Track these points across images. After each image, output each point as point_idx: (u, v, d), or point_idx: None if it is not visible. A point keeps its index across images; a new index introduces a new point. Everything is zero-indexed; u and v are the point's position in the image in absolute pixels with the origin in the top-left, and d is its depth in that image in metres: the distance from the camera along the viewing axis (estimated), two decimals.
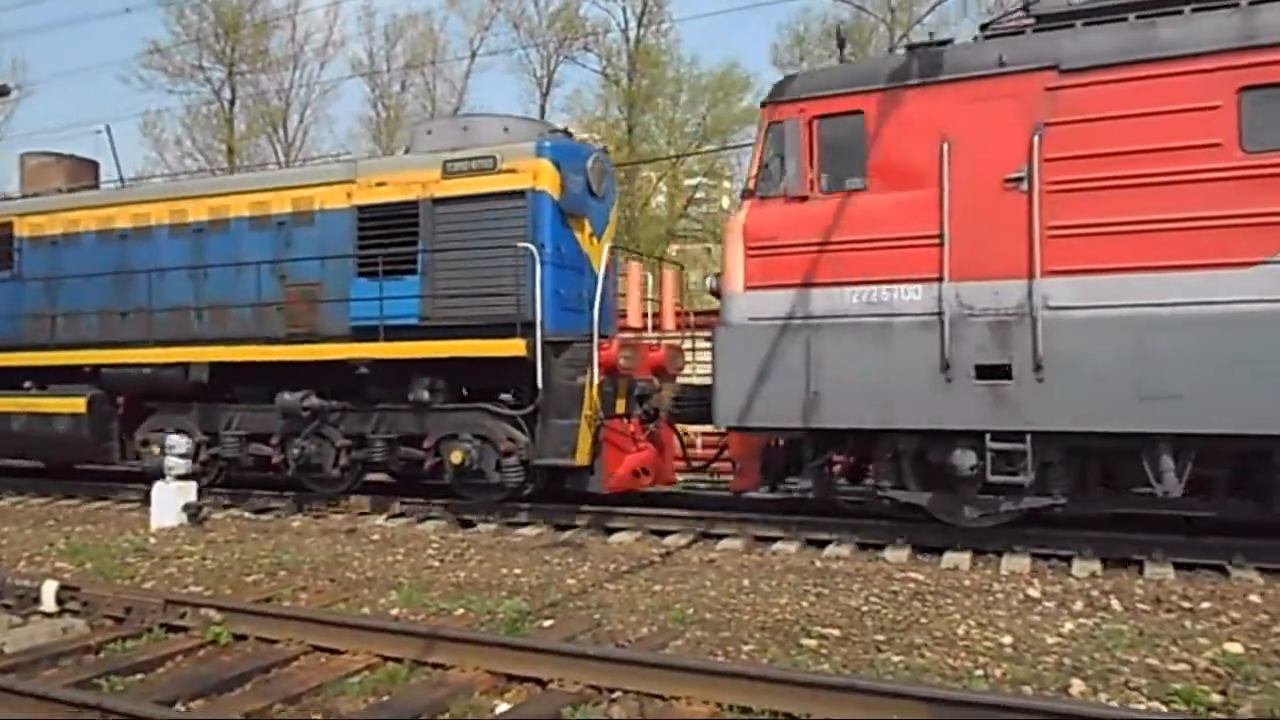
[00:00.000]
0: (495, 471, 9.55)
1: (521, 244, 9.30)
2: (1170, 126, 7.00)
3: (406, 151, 10.99)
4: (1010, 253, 7.39)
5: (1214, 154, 6.89)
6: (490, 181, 9.77)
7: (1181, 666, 5.02)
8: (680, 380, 10.46)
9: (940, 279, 7.57)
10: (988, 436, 7.45)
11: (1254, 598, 6.39)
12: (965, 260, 7.49)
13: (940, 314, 7.57)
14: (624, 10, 34.59)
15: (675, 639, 5.54)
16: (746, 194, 8.41)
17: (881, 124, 7.85)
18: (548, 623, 5.94)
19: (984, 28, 8.67)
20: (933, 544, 7.95)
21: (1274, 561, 7.07)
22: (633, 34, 34.67)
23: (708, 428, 10.33)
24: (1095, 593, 6.55)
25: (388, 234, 10.13)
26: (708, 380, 9.04)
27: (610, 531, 9.07)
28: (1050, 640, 5.45)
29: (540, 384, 9.25)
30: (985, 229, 7.44)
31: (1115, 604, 6.27)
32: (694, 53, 48.06)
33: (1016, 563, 7.47)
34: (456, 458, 9.52)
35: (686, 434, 10.77)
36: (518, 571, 7.46)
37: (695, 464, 10.65)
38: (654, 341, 10.97)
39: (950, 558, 7.66)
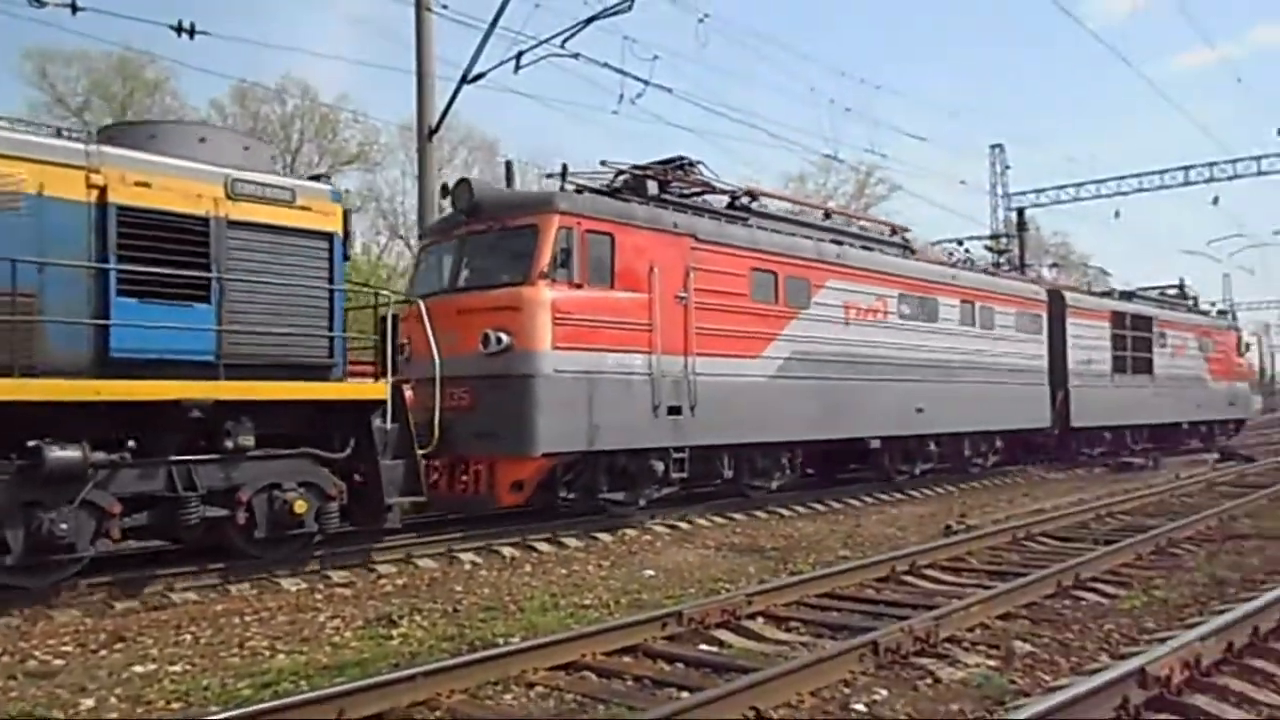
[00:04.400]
0: (314, 520, 9.15)
1: (391, 292, 9.48)
2: (730, 281, 13.20)
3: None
4: (680, 338, 12.39)
5: (741, 299, 13.37)
6: (289, 215, 9.32)
7: None
8: None
9: (652, 352, 12.01)
10: (671, 450, 12.21)
11: None
12: (663, 341, 12.13)
13: (651, 374, 12.00)
14: None
15: None
16: (542, 276, 11.03)
17: (621, 245, 11.83)
18: None
19: (562, 175, 13.22)
20: None
21: None
22: None
23: None
24: None
25: (168, 249, 8.41)
26: None
27: None
28: None
29: (389, 425, 9.55)
30: (670, 323, 12.26)
31: None
32: None
33: None
34: (301, 507, 8.84)
35: None
36: None
37: None
38: None
39: None
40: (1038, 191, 38.60)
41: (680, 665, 5.92)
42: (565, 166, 12.08)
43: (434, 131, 16.28)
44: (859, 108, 43.72)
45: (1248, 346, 34.11)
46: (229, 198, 8.90)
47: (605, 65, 15.96)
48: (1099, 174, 47.42)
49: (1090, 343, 22.10)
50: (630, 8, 15.21)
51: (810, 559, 9.94)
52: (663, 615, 6.57)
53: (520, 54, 15.56)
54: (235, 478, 8.68)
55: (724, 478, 13.35)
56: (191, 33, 14.29)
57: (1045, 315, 20.61)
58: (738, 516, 13.11)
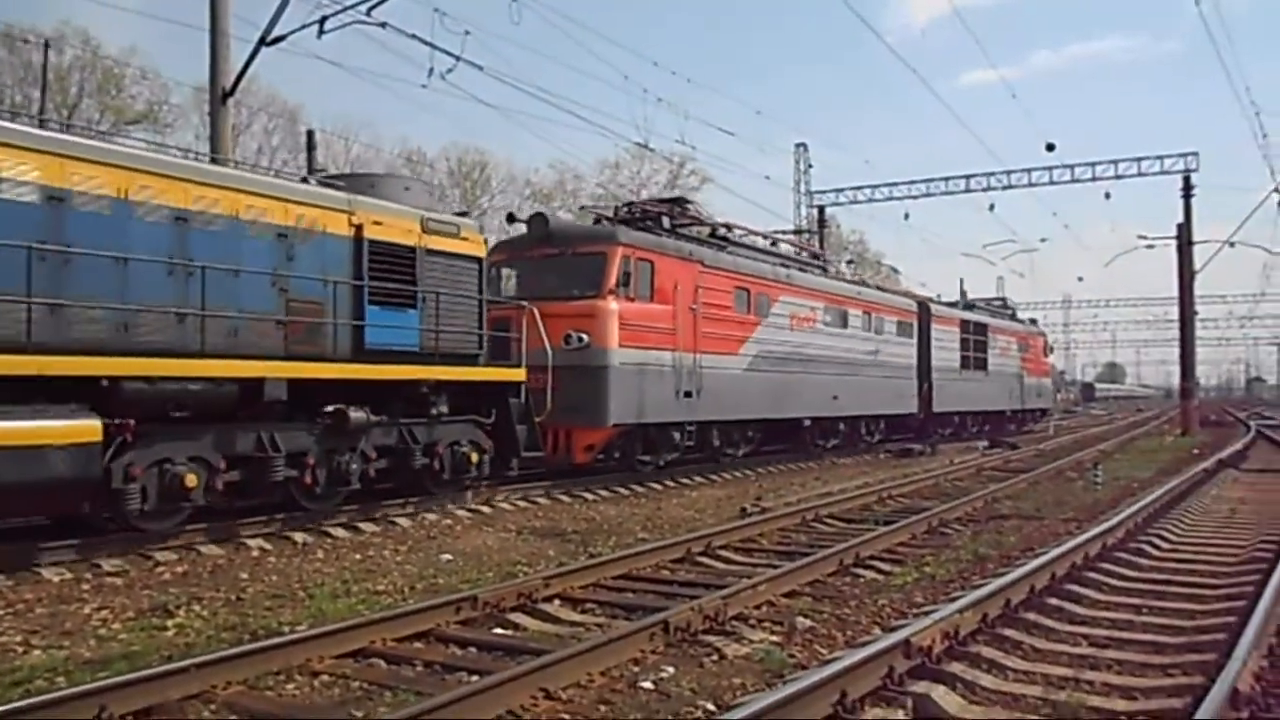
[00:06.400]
0: (476, 468, 12.52)
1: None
2: (721, 296, 17.19)
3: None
4: (691, 340, 16.28)
5: (728, 310, 17.40)
6: (456, 244, 12.59)
7: None
8: None
9: (675, 350, 15.86)
10: (686, 424, 16.11)
11: None
12: (681, 342, 16.00)
13: (675, 367, 15.85)
14: None
15: None
16: (610, 292, 14.67)
17: (658, 269, 15.60)
18: None
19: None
20: None
21: None
22: None
23: None
24: None
25: (394, 270, 11.58)
26: None
27: None
28: None
29: (523, 400, 13.00)
30: (685, 328, 16.13)
31: None
32: None
33: None
34: (474, 458, 12.23)
35: None
36: None
37: None
38: None
39: None
40: (837, 191, 39.45)
41: (473, 650, 5.85)
42: (616, 209, 15.73)
43: (229, 94, 14.71)
44: (671, 99, 45.37)
45: (1051, 349, 41.14)
46: (424, 232, 12.12)
47: (414, 37, 15.16)
48: (892, 178, 48.05)
49: (946, 345, 27.46)
50: None
51: (610, 542, 10.09)
52: (457, 600, 6.49)
53: (324, 18, 14.59)
54: (435, 435, 11.97)
55: (714, 446, 17.36)
56: None
57: (916, 322, 25.72)
58: (540, 500, 13.37)
